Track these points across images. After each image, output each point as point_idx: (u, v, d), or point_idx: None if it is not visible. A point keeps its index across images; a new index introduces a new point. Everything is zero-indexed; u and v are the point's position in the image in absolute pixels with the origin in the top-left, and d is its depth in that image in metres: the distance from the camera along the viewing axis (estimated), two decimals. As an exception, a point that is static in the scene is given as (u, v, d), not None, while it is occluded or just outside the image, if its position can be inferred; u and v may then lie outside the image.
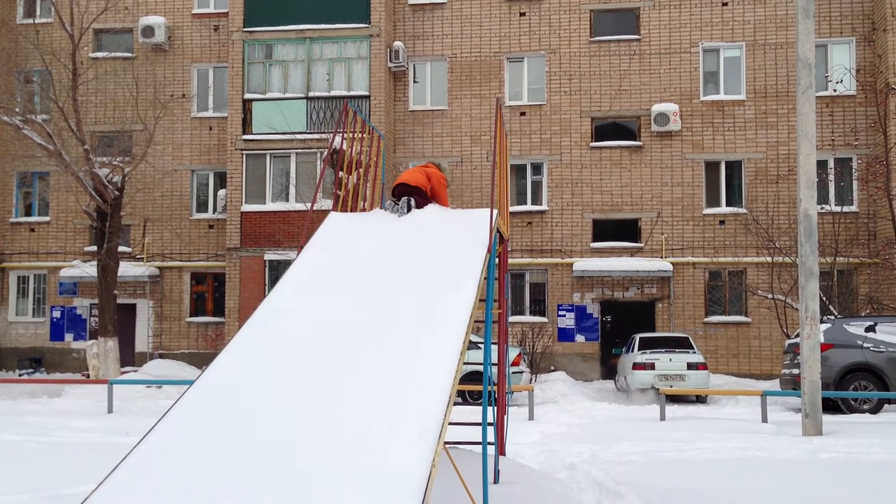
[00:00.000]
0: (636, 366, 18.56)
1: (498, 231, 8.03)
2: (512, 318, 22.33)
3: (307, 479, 3.97)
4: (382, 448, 4.24)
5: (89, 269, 22.27)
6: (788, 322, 20.62)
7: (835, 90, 22.27)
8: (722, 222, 22.88)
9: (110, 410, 15.75)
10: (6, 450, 10.34)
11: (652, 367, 18.40)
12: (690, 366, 18.38)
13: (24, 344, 24.87)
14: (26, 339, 24.95)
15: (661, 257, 22.77)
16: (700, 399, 18.71)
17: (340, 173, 9.09)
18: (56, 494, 7.35)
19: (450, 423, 5.09)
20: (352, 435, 4.36)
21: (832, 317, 17.94)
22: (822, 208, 19.81)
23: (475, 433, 8.42)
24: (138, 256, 24.29)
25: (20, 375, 23.00)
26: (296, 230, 21.38)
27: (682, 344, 19.22)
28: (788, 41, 22.57)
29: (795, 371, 15.60)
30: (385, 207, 8.17)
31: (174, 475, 4.14)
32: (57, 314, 24.88)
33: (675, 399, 17.95)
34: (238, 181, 23.13)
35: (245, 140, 23.12)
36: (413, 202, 8.00)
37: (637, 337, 19.76)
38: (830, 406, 15.22)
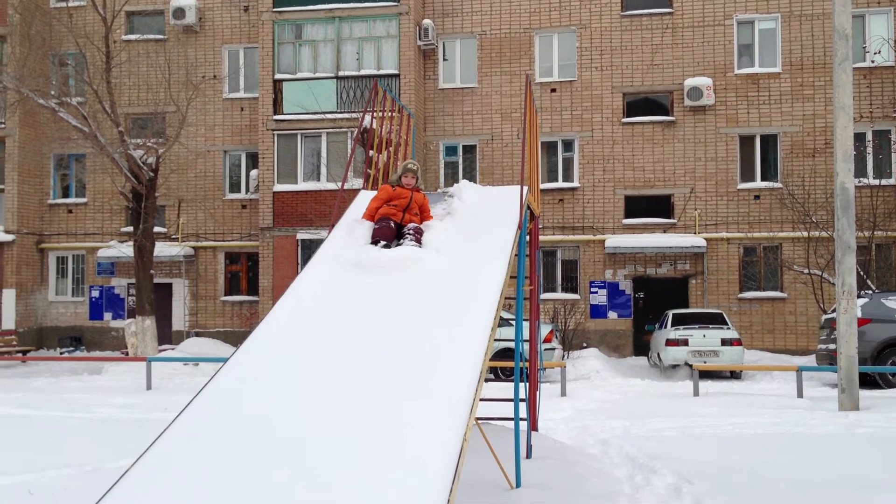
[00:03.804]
0: (669, 342, 18.47)
1: (528, 208, 8.02)
2: (544, 296, 22.31)
3: (333, 465, 3.99)
4: (413, 429, 4.26)
5: (126, 250, 22.62)
6: (825, 297, 20.36)
7: (873, 61, 21.79)
8: (757, 197, 22.59)
9: (149, 387, 16.05)
10: (50, 426, 10.59)
11: (685, 343, 18.31)
12: (724, 342, 18.25)
13: (65, 323, 25.38)
14: (66, 319, 25.45)
15: (695, 233, 22.57)
16: (734, 375, 18.59)
17: (371, 152, 9.13)
18: (98, 469, 7.52)
19: (482, 399, 5.13)
20: (381, 416, 4.39)
21: (869, 291, 17.69)
22: (859, 181, 19.50)
23: (507, 409, 8.47)
24: (173, 237, 24.59)
25: (61, 353, 23.50)
26: (327, 209, 21.52)
27: (716, 320, 19.08)
28: (825, 12, 22.10)
29: (832, 346, 15.44)
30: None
31: (211, 450, 4.22)
32: (95, 294, 25.34)
33: (708, 375, 17.85)
34: (270, 161, 23.28)
35: (276, 120, 23.23)
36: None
37: (670, 313, 19.65)
38: (867, 381, 15.07)
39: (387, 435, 4.20)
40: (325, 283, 6.16)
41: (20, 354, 22.45)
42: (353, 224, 7.02)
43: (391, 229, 6.81)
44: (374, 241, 6.70)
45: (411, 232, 6.78)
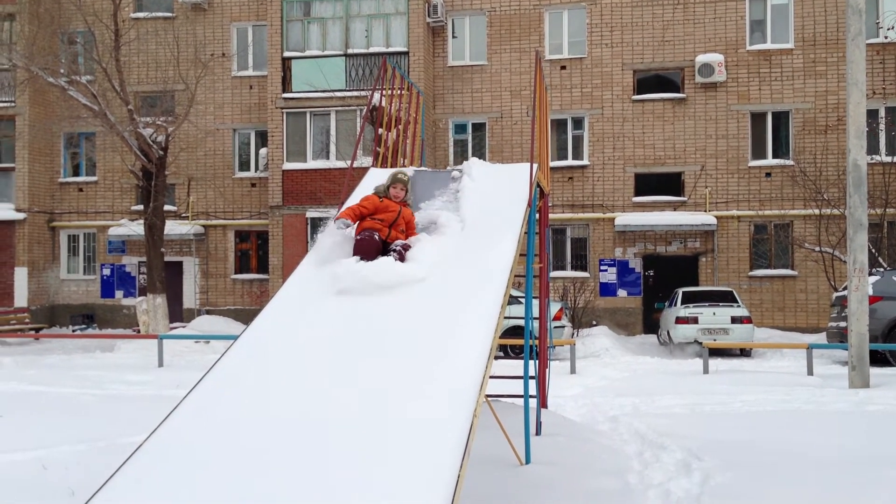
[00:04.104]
0: (679, 320, 18.46)
1: (538, 185, 7.99)
2: (553, 274, 22.29)
3: (345, 442, 4.00)
4: (423, 406, 4.26)
5: (137, 228, 22.70)
6: (836, 275, 20.30)
7: (886, 37, 21.57)
8: (768, 174, 22.46)
9: (161, 364, 16.16)
10: (64, 402, 10.69)
11: (695, 321, 18.29)
12: (734, 319, 18.22)
13: (76, 301, 25.54)
14: (78, 296, 25.61)
15: (705, 211, 22.48)
16: (744, 353, 18.58)
17: (380, 130, 9.11)
18: (112, 444, 7.59)
19: (491, 377, 5.13)
20: (391, 396, 4.39)
21: (881, 269, 17.62)
22: (871, 158, 19.36)
23: (517, 386, 8.50)
24: (183, 215, 24.66)
25: (73, 331, 23.66)
26: (337, 187, 21.51)
27: (726, 298, 19.05)
28: (839, -14, 21.85)
29: (842, 324, 15.40)
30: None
31: (222, 425, 4.25)
32: (107, 272, 25.48)
33: (718, 353, 17.85)
34: (279, 139, 23.26)
35: (285, 98, 23.18)
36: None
37: (680, 291, 19.62)
38: (878, 359, 15.04)
39: (396, 414, 4.22)
40: (336, 254, 6.11)
41: (33, 332, 22.61)
42: (333, 229, 6.34)
43: (376, 243, 6.07)
44: (356, 254, 5.95)
45: (398, 249, 6.07)
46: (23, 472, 6.71)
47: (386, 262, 5.79)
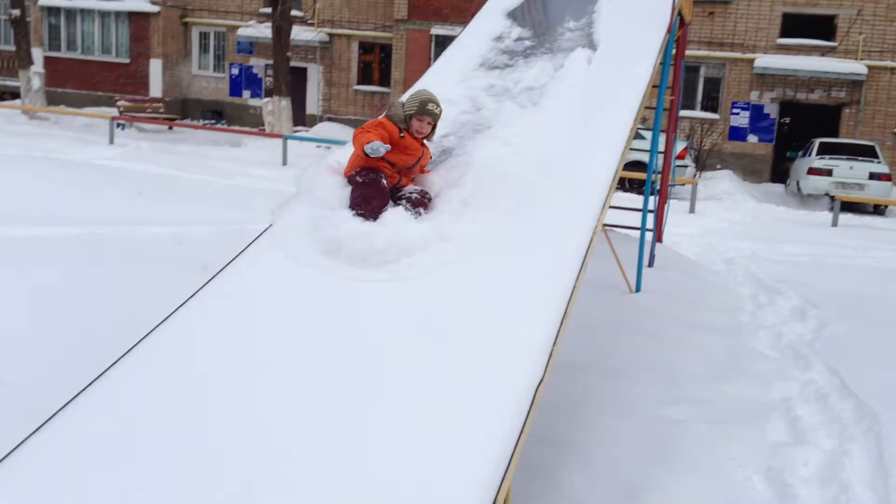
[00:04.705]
0: (812, 171, 17.54)
1: (679, 13, 7.49)
2: (682, 112, 21.36)
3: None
4: (547, 225, 4.21)
5: (264, 31, 22.83)
6: None
7: None
8: (936, 24, 20.42)
9: (284, 163, 16.71)
10: (197, 187, 11.28)
11: (829, 173, 17.34)
12: (872, 175, 17.18)
13: (206, 97, 26.33)
14: (208, 93, 26.37)
15: (856, 59, 20.78)
16: (878, 211, 17.59)
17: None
18: (239, 230, 7.98)
19: (611, 207, 5.03)
20: (511, 219, 4.31)
21: None
22: None
23: (635, 219, 8.40)
24: (309, 21, 24.57)
25: (204, 124, 24.56)
26: (465, 4, 20.82)
27: (866, 152, 17.89)
28: None
29: None
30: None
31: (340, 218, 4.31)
32: (235, 71, 25.99)
33: (850, 208, 16.90)
34: (410, -51, 22.48)
35: None
36: None
37: (817, 141, 18.53)
38: None
39: (523, 232, 4.19)
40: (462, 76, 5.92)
41: (167, 121, 23.52)
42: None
43: (382, 190, 4.08)
44: (358, 208, 4.00)
45: (413, 197, 4.17)
46: (161, 244, 7.21)
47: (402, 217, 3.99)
